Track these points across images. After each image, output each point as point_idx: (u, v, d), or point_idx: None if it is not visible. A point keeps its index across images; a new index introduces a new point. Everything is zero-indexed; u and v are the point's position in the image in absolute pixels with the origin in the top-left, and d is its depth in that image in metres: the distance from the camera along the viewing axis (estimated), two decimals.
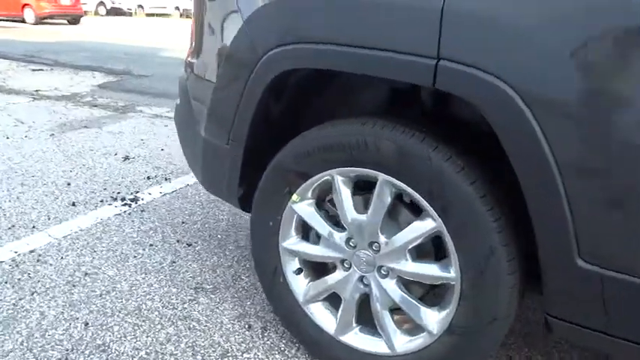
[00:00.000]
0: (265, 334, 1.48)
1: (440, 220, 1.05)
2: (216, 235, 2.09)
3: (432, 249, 1.16)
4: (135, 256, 1.88)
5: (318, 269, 1.35)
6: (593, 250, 0.90)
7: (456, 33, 0.92)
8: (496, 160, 1.02)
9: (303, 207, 1.26)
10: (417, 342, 1.17)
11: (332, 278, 1.27)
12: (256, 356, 1.39)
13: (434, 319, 1.13)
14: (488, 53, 0.89)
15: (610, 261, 0.89)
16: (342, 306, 1.27)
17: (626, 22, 0.77)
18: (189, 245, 2.00)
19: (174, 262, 1.87)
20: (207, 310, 1.58)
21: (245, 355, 1.39)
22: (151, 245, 1.98)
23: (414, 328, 1.19)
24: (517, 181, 0.94)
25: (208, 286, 1.72)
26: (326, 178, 1.19)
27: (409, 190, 1.07)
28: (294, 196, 1.26)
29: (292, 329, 1.39)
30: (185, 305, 1.60)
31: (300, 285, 1.34)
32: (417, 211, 1.12)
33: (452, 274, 1.07)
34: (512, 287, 1.02)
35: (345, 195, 1.18)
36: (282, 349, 1.42)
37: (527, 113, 0.87)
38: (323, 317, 1.32)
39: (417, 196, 1.06)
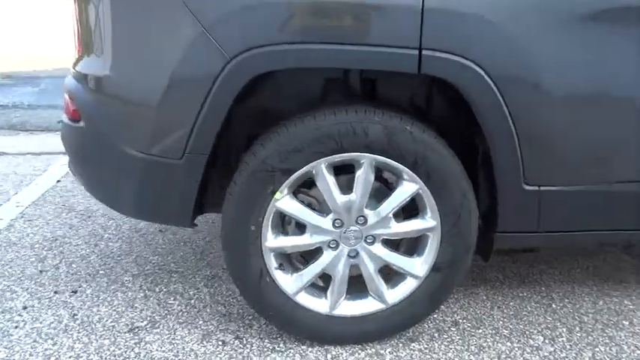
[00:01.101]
0: (245, 342, 1.44)
1: (422, 182, 1.28)
2: (97, 273, 1.80)
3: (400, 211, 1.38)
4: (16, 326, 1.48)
5: (296, 260, 1.42)
6: (532, 176, 1.29)
7: (434, 27, 1.14)
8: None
9: (286, 202, 1.29)
10: (404, 288, 1.39)
11: (322, 262, 1.35)
12: None
13: (419, 264, 1.37)
14: (461, 42, 1.15)
15: (541, 181, 1.30)
16: (333, 283, 1.37)
17: (563, 16, 1.15)
18: (74, 292, 1.68)
19: (74, 315, 1.55)
20: (164, 345, 1.43)
21: None
22: (25, 308, 1.59)
23: (397, 278, 1.41)
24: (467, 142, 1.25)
25: (142, 323, 1.53)
26: (307, 169, 1.26)
27: (394, 163, 1.26)
28: (277, 194, 1.28)
29: (285, 324, 1.41)
30: (135, 350, 1.40)
31: (286, 279, 1.37)
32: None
33: (433, 223, 1.32)
34: (477, 218, 1.35)
35: (331, 181, 1.28)
36: (271, 347, 1.43)
37: (490, 83, 1.18)
38: (313, 302, 1.40)
39: (400, 167, 1.26)
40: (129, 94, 1.25)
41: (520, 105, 1.21)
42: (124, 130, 1.28)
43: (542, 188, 1.31)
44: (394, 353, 1.40)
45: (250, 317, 1.55)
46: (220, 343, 1.45)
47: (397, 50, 1.16)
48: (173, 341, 1.45)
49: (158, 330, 1.49)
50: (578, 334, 1.50)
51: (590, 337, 1.48)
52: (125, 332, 1.48)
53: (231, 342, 1.45)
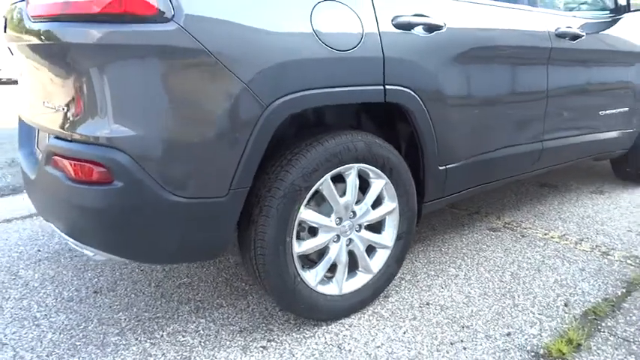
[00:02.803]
0: (280, 340, 1.68)
1: (387, 178, 1.79)
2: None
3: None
4: None
5: (307, 259, 1.74)
6: (442, 159, 1.94)
7: (390, 71, 1.66)
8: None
9: (307, 213, 1.62)
10: (381, 258, 1.88)
11: (331, 254, 1.73)
12: (304, 350, 1.63)
13: (388, 237, 1.88)
14: (406, 77, 1.71)
15: (446, 161, 1.97)
16: (339, 269, 1.76)
17: (450, 55, 1.82)
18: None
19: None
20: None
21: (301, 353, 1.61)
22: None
23: (374, 253, 1.88)
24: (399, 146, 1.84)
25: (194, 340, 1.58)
26: (320, 183, 1.62)
27: (371, 167, 1.73)
28: (301, 208, 1.60)
29: (312, 312, 1.72)
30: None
31: (309, 276, 1.69)
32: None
33: (395, 205, 1.85)
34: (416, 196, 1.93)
35: (334, 189, 1.67)
36: (302, 336, 1.71)
37: (420, 101, 1.77)
38: (326, 289, 1.75)
39: (375, 169, 1.74)
40: (175, 147, 1.37)
41: (435, 112, 1.85)
42: (171, 180, 1.39)
43: (447, 166, 1.99)
44: (378, 307, 1.89)
45: (265, 321, 1.79)
46: (261, 348, 1.66)
47: (372, 87, 1.64)
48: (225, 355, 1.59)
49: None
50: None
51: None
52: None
53: (269, 345, 1.68)
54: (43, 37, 1.41)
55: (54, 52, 1.42)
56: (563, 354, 1.62)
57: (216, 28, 1.37)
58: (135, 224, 1.42)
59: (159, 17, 1.32)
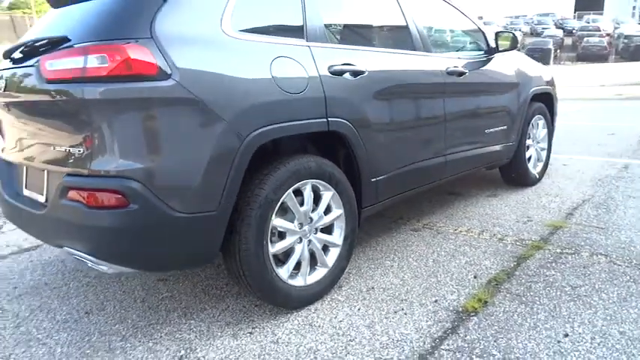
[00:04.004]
0: (263, 325, 2.07)
1: (334, 190, 2.28)
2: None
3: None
4: None
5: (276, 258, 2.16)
6: (364, 173, 2.47)
7: (331, 107, 2.18)
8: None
9: (277, 220, 2.06)
10: (333, 255, 2.34)
11: (297, 254, 2.17)
12: (283, 330, 2.03)
13: (338, 237, 2.35)
14: (342, 111, 2.23)
15: (376, 174, 2.51)
16: (303, 265, 2.20)
17: (371, 91, 2.38)
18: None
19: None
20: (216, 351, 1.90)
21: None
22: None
23: (327, 251, 2.34)
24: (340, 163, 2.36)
25: (191, 335, 1.90)
26: (285, 196, 2.07)
27: (321, 182, 2.21)
28: (273, 217, 2.03)
29: (286, 302, 2.14)
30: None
31: (282, 272, 2.11)
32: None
33: (341, 211, 2.34)
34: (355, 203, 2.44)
35: (295, 200, 2.12)
36: (280, 321, 2.12)
37: (353, 128, 2.30)
38: (295, 282, 2.18)
39: (324, 183, 2.23)
40: (176, 174, 1.76)
41: (364, 136, 2.38)
42: (173, 201, 1.76)
43: (377, 178, 2.53)
44: (335, 294, 2.34)
45: (246, 315, 2.17)
46: (248, 334, 2.03)
47: (318, 120, 2.14)
48: (220, 342, 1.94)
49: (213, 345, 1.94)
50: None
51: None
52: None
53: (254, 331, 2.06)
54: (59, 95, 1.76)
55: (69, 107, 1.77)
56: (476, 308, 2.17)
57: (204, 80, 1.81)
58: (147, 239, 1.78)
59: (159, 76, 1.73)
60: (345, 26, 2.70)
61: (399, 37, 2.91)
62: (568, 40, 36.11)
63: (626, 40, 31.57)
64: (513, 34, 3.67)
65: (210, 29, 1.91)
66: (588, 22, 40.22)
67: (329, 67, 2.24)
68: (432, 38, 3.14)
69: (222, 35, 1.92)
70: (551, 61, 28.32)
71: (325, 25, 2.35)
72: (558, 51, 32.54)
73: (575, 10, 50.84)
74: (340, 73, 2.28)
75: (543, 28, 39.21)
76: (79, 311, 2.30)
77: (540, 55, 26.07)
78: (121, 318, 2.22)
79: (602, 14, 46.53)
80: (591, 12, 45.84)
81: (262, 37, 2.07)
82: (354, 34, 2.77)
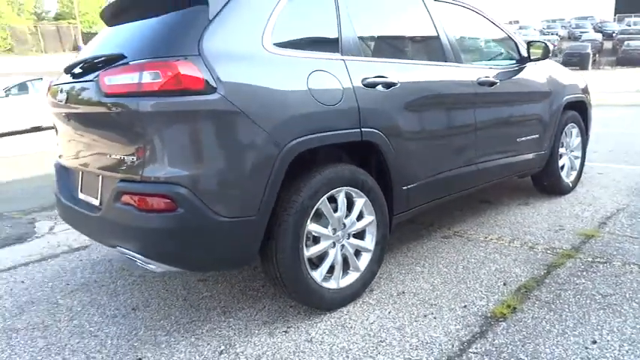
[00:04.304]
0: (298, 325, 2.18)
1: (366, 197, 2.38)
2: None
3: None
4: None
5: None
6: (403, 181, 2.56)
7: (364, 118, 2.28)
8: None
9: (312, 226, 2.17)
10: (365, 259, 2.44)
11: (330, 258, 2.27)
12: (317, 330, 2.14)
13: (369, 243, 2.45)
14: (375, 121, 2.33)
15: (407, 182, 2.59)
16: (336, 269, 2.30)
17: (402, 103, 2.47)
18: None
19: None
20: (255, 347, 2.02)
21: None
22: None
23: (359, 256, 2.44)
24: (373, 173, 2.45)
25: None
26: (320, 202, 2.18)
27: (354, 189, 2.32)
28: (308, 222, 2.14)
29: (321, 303, 2.25)
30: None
31: (316, 275, 2.22)
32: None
33: (372, 217, 2.43)
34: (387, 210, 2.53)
35: (330, 206, 2.23)
36: (314, 320, 2.22)
37: (385, 138, 2.40)
38: (329, 284, 2.29)
39: (357, 190, 2.33)
40: (220, 180, 1.90)
41: (396, 145, 2.47)
42: (217, 206, 1.90)
43: (408, 186, 2.61)
44: (366, 298, 2.43)
45: (282, 315, 2.28)
46: (284, 332, 2.15)
47: (352, 130, 2.25)
48: (257, 339, 2.07)
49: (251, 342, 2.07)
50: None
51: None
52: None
53: (289, 330, 2.17)
54: (115, 107, 1.93)
55: (124, 118, 1.93)
56: (504, 314, 2.23)
57: (246, 93, 1.95)
58: (192, 240, 1.92)
59: (206, 90, 1.87)
60: (378, 39, 2.80)
61: (430, 48, 2.99)
62: (608, 44, 35.06)
63: None
64: (545, 43, 3.68)
65: (252, 46, 2.04)
66: (629, 25, 38.95)
67: (362, 80, 2.34)
68: (464, 49, 3.20)
69: (263, 51, 2.06)
70: (590, 66, 27.61)
71: (359, 38, 2.46)
72: (597, 55, 31.64)
73: (616, 13, 49.24)
74: (373, 85, 2.38)
75: (581, 32, 38.20)
76: (127, 307, 2.47)
77: (578, 59, 25.50)
78: (165, 314, 2.38)
79: None
80: (632, 15, 44.34)
81: (300, 52, 2.19)
82: (387, 47, 2.87)
